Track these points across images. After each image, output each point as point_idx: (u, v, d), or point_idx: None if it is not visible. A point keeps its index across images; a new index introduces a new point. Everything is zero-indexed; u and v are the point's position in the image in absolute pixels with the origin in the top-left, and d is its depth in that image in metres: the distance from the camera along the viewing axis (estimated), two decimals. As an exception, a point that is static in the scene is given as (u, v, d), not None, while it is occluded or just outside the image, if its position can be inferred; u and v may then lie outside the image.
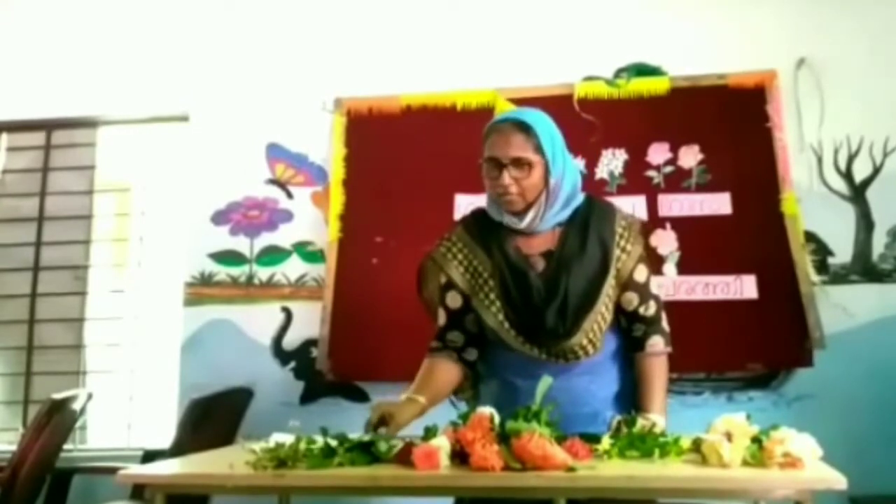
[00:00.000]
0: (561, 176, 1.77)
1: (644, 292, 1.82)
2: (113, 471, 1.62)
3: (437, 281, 1.90)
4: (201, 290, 3.35)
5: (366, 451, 1.51)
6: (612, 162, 3.17)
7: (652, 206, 3.10)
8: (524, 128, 1.74)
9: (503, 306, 1.77)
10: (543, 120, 1.79)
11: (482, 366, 1.90)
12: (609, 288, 1.77)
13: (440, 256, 1.88)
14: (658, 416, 1.73)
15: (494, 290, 1.79)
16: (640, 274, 1.82)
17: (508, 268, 1.78)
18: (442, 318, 1.88)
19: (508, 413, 1.53)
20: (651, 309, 1.83)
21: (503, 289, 1.78)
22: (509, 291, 1.77)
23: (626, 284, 1.80)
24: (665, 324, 1.86)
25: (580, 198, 1.84)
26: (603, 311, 1.77)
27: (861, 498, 2.32)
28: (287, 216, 3.38)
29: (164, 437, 2.76)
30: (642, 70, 3.26)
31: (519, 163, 1.72)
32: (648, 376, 1.81)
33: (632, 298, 1.81)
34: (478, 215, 1.91)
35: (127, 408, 3.48)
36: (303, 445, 1.54)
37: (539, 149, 1.73)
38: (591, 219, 1.81)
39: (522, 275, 1.77)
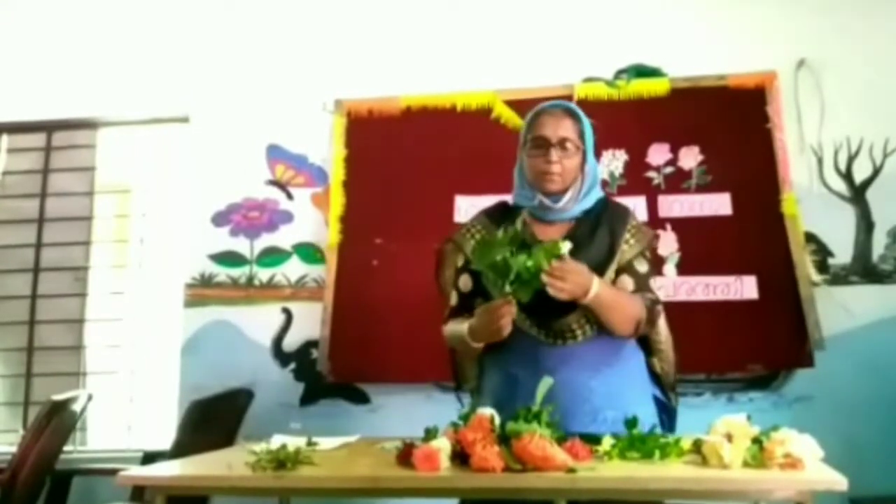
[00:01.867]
0: (591, 167, 1.88)
1: (641, 282, 1.82)
2: (113, 472, 1.62)
3: (454, 265, 1.95)
4: (201, 291, 3.35)
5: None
6: (612, 163, 3.17)
7: (652, 207, 3.10)
8: (573, 114, 1.86)
9: None
10: (583, 113, 1.90)
11: (485, 356, 1.91)
12: (611, 273, 1.81)
13: (460, 237, 1.94)
14: (598, 282, 1.69)
15: None
16: (641, 265, 1.84)
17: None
18: (454, 299, 1.92)
19: (509, 408, 1.54)
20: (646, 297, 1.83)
21: None
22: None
23: (624, 269, 1.82)
24: (656, 314, 1.83)
25: (600, 192, 1.92)
26: None
27: (861, 499, 2.30)
28: (287, 217, 3.38)
29: (165, 438, 2.76)
30: (642, 71, 3.26)
31: (564, 144, 1.81)
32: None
33: (627, 282, 1.82)
34: (500, 206, 1.97)
35: (127, 409, 3.48)
36: None
37: (582, 135, 1.85)
38: (605, 214, 1.88)
39: None
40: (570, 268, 1.63)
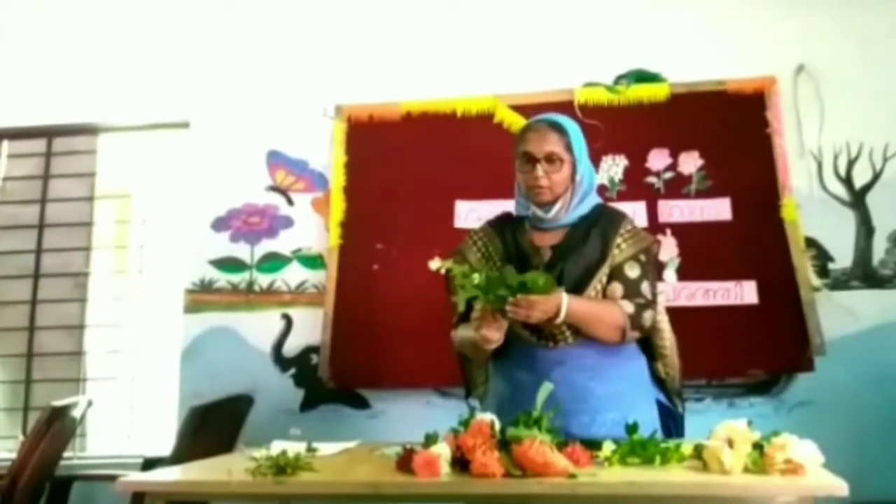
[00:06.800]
0: (584, 174, 1.90)
1: (631, 288, 1.82)
2: (113, 478, 1.62)
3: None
4: (202, 296, 3.35)
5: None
6: (612, 168, 3.17)
7: (652, 212, 3.10)
8: (558, 128, 1.89)
9: None
10: (573, 124, 1.94)
11: (491, 362, 1.95)
12: (603, 276, 1.85)
13: (464, 247, 2.00)
14: (569, 299, 1.72)
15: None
16: (632, 270, 1.85)
17: (517, 253, 1.90)
18: (462, 306, 1.91)
19: (513, 411, 1.55)
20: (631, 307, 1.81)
21: None
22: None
23: (614, 275, 1.85)
24: (643, 319, 1.81)
25: (596, 198, 1.96)
26: (592, 295, 1.82)
27: (863, 504, 2.31)
28: (287, 223, 3.38)
29: (164, 444, 2.75)
30: (642, 76, 3.26)
31: (551, 158, 1.85)
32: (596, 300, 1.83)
33: (615, 289, 1.83)
34: (503, 216, 2.03)
35: (127, 415, 3.47)
36: None
37: (569, 147, 1.88)
38: (599, 220, 1.91)
39: (527, 259, 1.87)
40: (534, 298, 1.67)
